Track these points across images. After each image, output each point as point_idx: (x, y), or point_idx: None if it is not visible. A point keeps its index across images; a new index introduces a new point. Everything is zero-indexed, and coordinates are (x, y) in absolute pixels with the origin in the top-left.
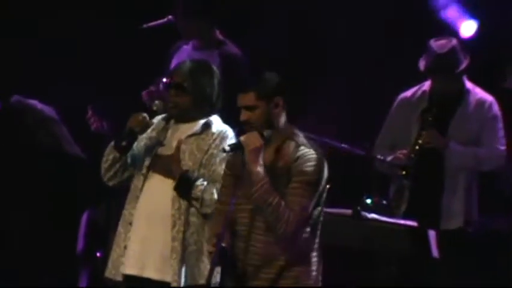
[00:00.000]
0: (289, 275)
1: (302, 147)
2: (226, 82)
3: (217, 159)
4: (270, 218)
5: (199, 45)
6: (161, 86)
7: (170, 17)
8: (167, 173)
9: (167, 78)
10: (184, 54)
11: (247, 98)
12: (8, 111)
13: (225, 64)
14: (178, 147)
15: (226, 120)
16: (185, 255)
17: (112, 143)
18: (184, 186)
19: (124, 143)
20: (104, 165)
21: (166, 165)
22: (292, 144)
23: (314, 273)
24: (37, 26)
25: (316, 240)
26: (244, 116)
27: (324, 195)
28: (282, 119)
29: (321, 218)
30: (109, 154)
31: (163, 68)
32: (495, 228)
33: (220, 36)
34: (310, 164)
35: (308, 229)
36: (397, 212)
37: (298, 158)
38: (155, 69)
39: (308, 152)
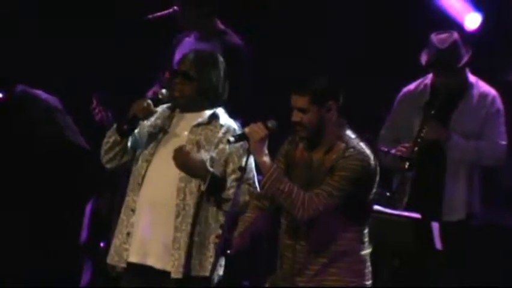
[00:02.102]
0: (333, 272)
1: (351, 149)
2: (228, 71)
3: (235, 157)
4: (285, 204)
5: (200, 36)
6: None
7: (175, 7)
8: (192, 175)
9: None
10: (186, 47)
11: (301, 101)
12: (12, 101)
13: (227, 54)
14: (198, 146)
15: (230, 110)
16: (187, 246)
17: (115, 126)
18: (214, 188)
19: (125, 127)
20: (105, 147)
21: (191, 167)
22: (342, 146)
23: (363, 271)
24: (42, 16)
25: (365, 240)
26: (296, 117)
27: (372, 196)
28: (334, 121)
29: (370, 219)
30: (110, 136)
31: (166, 62)
32: (497, 222)
33: (221, 26)
34: (353, 163)
35: (354, 228)
36: (400, 205)
37: (344, 157)
38: (159, 60)
39: (355, 153)
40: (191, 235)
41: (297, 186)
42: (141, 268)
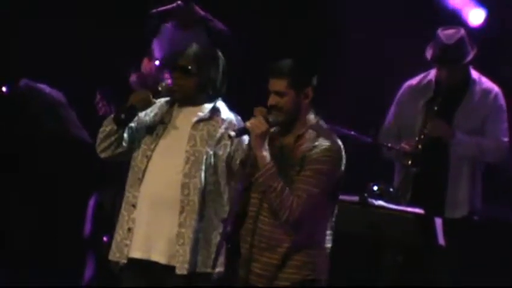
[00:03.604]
0: (291, 264)
1: (321, 138)
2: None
3: (241, 152)
4: (273, 203)
5: (181, 23)
6: (154, 68)
7: (179, 2)
8: None
9: (159, 61)
10: (166, 34)
11: (279, 84)
12: (16, 95)
13: (212, 39)
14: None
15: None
16: (192, 242)
17: (112, 115)
18: None
19: (122, 116)
20: (100, 136)
21: None
22: (312, 134)
23: (320, 266)
24: (46, 11)
25: (327, 233)
26: (272, 100)
27: (337, 190)
28: (309, 109)
29: (335, 211)
30: (107, 125)
31: (144, 49)
32: (499, 218)
33: (202, 12)
34: (325, 154)
35: (318, 221)
36: (403, 201)
37: (314, 147)
38: (138, 47)
39: (325, 142)
40: (196, 231)
41: (293, 188)
42: (145, 264)
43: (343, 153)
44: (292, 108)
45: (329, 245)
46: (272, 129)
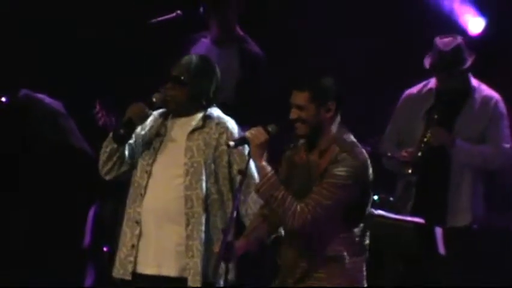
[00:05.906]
0: (319, 276)
1: (344, 154)
2: (246, 80)
3: (237, 158)
4: (277, 211)
5: (218, 39)
6: None
7: (179, 11)
8: None
9: None
10: (202, 48)
11: (300, 97)
12: (16, 105)
13: (246, 62)
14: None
15: (245, 119)
16: (201, 254)
17: (110, 135)
18: None
19: (121, 131)
20: (103, 158)
21: None
22: (336, 149)
23: (353, 277)
24: (44, 20)
25: (356, 245)
26: (294, 114)
27: (365, 203)
28: (334, 122)
29: (363, 224)
30: (107, 146)
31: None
32: (501, 226)
33: (241, 32)
34: (343, 169)
35: (343, 234)
36: (404, 211)
37: (336, 162)
38: (163, 64)
39: (347, 158)
40: (204, 242)
41: (291, 195)
42: (155, 279)
43: (366, 168)
44: (314, 121)
45: (360, 256)
46: (299, 143)
